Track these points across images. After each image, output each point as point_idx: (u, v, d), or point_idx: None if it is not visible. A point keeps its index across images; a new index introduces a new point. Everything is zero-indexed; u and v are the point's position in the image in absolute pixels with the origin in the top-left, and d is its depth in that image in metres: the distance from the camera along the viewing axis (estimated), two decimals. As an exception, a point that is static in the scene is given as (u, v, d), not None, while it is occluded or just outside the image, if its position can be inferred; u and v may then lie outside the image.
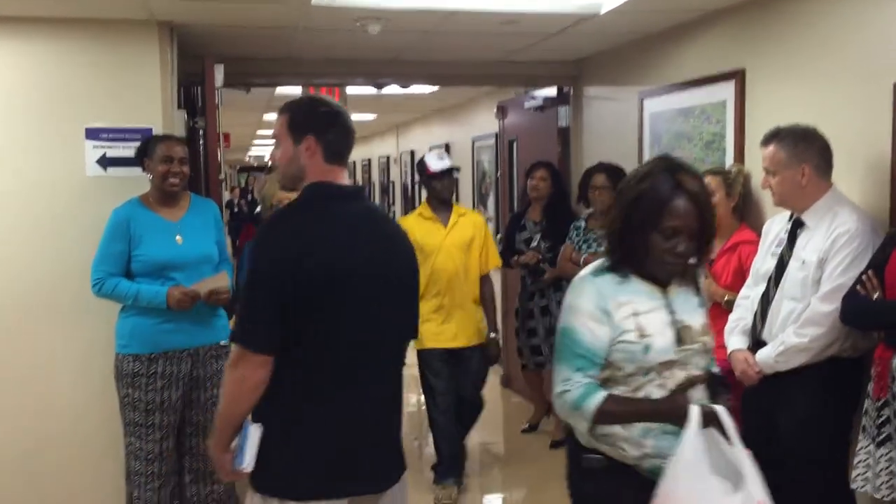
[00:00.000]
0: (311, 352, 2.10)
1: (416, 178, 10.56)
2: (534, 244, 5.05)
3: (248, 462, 2.11)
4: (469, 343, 4.37)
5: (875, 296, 2.60)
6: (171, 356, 3.40)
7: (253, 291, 2.10)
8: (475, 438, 5.74)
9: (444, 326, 4.32)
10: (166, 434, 3.42)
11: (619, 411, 2.04)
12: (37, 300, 3.76)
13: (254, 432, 2.12)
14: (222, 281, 3.43)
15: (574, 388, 2.05)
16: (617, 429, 2.06)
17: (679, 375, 2.07)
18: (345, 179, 2.26)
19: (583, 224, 4.82)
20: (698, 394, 2.11)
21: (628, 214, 2.07)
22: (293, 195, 3.66)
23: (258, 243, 2.16)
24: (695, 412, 1.98)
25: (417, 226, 4.29)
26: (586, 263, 4.55)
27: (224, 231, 3.77)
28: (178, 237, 3.43)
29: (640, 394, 2.05)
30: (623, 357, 2.05)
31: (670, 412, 2.03)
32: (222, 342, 3.55)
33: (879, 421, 2.59)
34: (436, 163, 4.30)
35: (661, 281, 2.11)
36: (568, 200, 5.33)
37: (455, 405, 4.41)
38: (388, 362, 2.26)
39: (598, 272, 2.12)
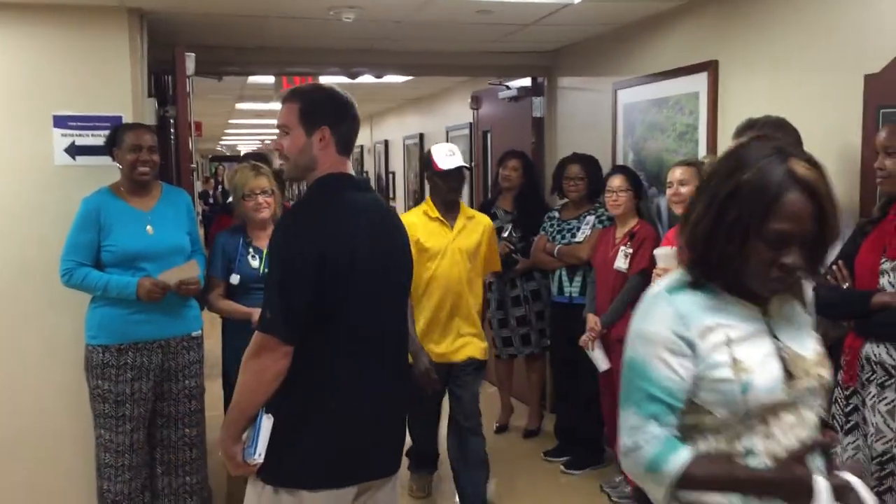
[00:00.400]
0: (325, 343, 2.12)
1: (391, 168, 10.53)
2: (505, 234, 5.05)
3: (259, 453, 2.10)
4: (467, 357, 3.88)
5: (845, 285, 2.63)
6: (141, 347, 3.36)
7: (282, 281, 2.10)
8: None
9: (440, 339, 3.83)
10: (137, 426, 3.38)
11: (712, 478, 1.54)
12: (4, 290, 3.70)
13: (266, 423, 2.11)
14: (192, 270, 3.39)
15: (649, 443, 1.56)
16: (712, 496, 1.55)
17: (788, 421, 1.58)
18: (349, 168, 2.29)
19: (556, 214, 4.83)
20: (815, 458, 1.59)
21: (720, 214, 1.54)
22: (266, 184, 3.65)
23: (285, 233, 2.17)
24: (822, 488, 1.48)
25: (422, 224, 3.81)
26: (560, 254, 4.65)
27: (197, 221, 3.73)
28: (148, 227, 3.39)
29: (739, 447, 1.56)
30: (714, 399, 1.55)
31: (785, 485, 1.51)
32: (193, 333, 3.52)
33: (847, 409, 2.63)
34: (445, 159, 3.77)
35: (760, 298, 1.61)
36: (540, 191, 5.33)
37: (457, 439, 3.98)
38: (396, 354, 2.33)
39: (677, 288, 1.62)
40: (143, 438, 3.43)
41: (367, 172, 10.52)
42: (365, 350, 2.18)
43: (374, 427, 2.22)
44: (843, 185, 3.04)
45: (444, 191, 3.83)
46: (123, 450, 3.37)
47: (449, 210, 3.87)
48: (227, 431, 2.17)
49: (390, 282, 2.27)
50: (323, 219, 2.14)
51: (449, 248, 3.80)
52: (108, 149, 3.44)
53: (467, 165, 3.92)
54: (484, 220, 4.01)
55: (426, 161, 3.90)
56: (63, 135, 3.73)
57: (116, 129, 3.46)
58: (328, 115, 2.21)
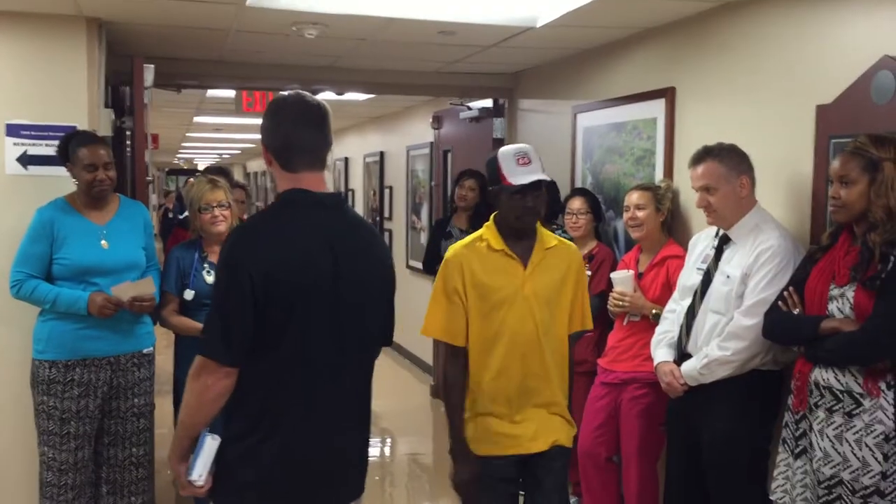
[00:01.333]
0: (272, 367, 2.04)
1: (350, 185, 10.48)
2: None
3: (199, 473, 2.05)
4: (553, 444, 2.82)
5: (796, 311, 2.68)
6: (89, 364, 3.28)
7: (222, 300, 2.02)
8: (402, 449, 5.72)
9: (515, 423, 2.79)
10: (81, 444, 3.30)
11: None
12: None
13: (209, 444, 2.05)
14: (147, 287, 3.33)
15: None
16: None
17: None
18: (318, 185, 2.12)
19: (515, 235, 4.82)
20: None
21: None
22: (222, 197, 3.60)
23: (229, 251, 2.05)
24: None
25: (480, 260, 2.79)
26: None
27: (154, 235, 3.67)
28: (103, 242, 3.33)
29: None
30: None
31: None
32: (145, 350, 3.45)
33: (798, 433, 2.66)
34: (516, 170, 2.73)
35: None
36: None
37: None
38: (356, 376, 2.18)
39: None
40: (87, 456, 3.34)
41: (353, 191, 10.36)
42: (317, 379, 2.07)
43: (329, 454, 2.12)
44: (794, 213, 3.10)
45: (513, 213, 2.78)
46: (67, 468, 3.28)
47: (519, 239, 2.83)
48: (172, 450, 2.12)
49: (353, 308, 2.11)
50: (270, 238, 2.03)
51: (521, 292, 2.77)
52: (61, 160, 3.37)
53: (547, 178, 2.80)
54: (569, 251, 2.91)
55: (491, 169, 2.82)
56: (15, 144, 3.66)
57: (69, 139, 3.36)
58: (264, 132, 2.10)
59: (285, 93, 2.15)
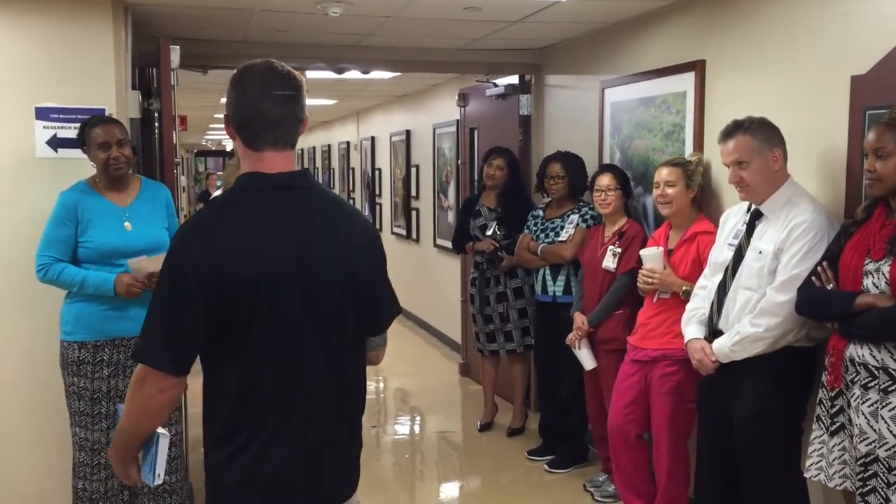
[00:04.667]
0: (244, 368, 1.82)
1: (377, 164, 10.49)
2: (489, 231, 5.04)
3: (159, 474, 1.91)
4: None
5: (829, 287, 2.63)
6: (117, 344, 3.31)
7: (164, 301, 1.80)
8: (432, 427, 5.75)
9: None
10: (113, 423, 3.32)
11: None
12: (-18, 285, 3.64)
13: (163, 443, 1.89)
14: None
15: None
16: None
17: None
18: (283, 165, 1.88)
19: (541, 213, 4.82)
20: None
21: None
22: None
23: (175, 246, 1.84)
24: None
25: None
26: (544, 253, 4.64)
27: (176, 215, 3.68)
28: (126, 223, 3.34)
29: None
30: None
31: None
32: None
33: (833, 410, 2.63)
34: None
35: None
36: (524, 189, 5.33)
37: None
38: (338, 370, 1.93)
39: None
40: (120, 436, 3.39)
41: (380, 170, 10.18)
42: (292, 380, 1.85)
43: (313, 455, 1.90)
44: (829, 186, 3.04)
45: None
46: (99, 448, 3.32)
47: None
48: (114, 457, 1.94)
49: (328, 298, 1.88)
50: (221, 230, 1.80)
51: None
52: (80, 145, 3.39)
53: None
54: None
55: None
56: (45, 127, 3.68)
57: (84, 124, 3.38)
58: (228, 103, 1.86)
59: (254, 61, 1.90)
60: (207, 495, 1.94)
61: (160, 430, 1.90)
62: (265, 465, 1.85)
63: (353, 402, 2.00)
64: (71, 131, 3.65)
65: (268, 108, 1.83)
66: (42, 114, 3.68)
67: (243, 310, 1.79)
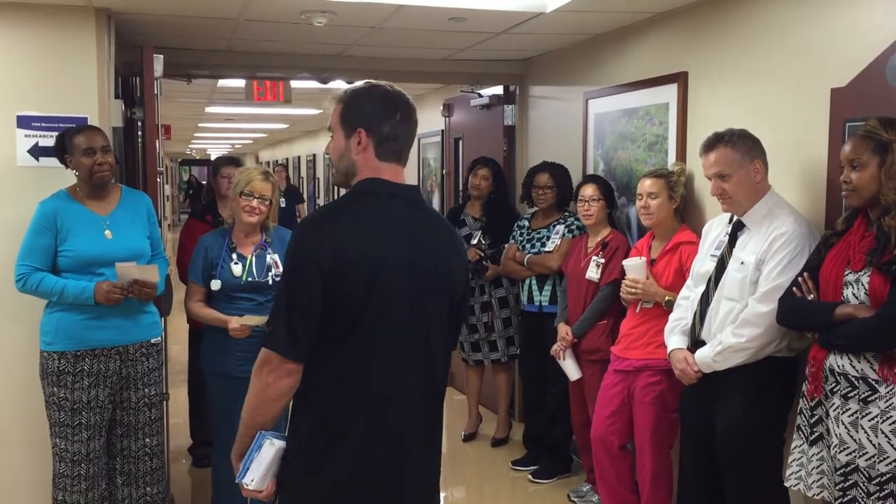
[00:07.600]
0: (339, 367, 1.94)
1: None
2: (474, 241, 5.06)
3: (251, 478, 1.94)
4: None
5: (810, 297, 2.65)
6: (98, 354, 3.29)
7: (289, 291, 1.93)
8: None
9: None
10: (93, 434, 3.31)
11: None
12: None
13: (266, 450, 1.94)
14: (151, 274, 3.31)
15: None
16: None
17: None
18: (398, 177, 2.07)
19: (526, 223, 4.83)
20: None
21: None
22: (268, 192, 3.56)
23: (297, 242, 1.97)
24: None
25: None
26: (530, 263, 4.65)
27: (158, 224, 3.66)
28: (107, 232, 3.32)
29: None
30: None
31: None
32: (153, 339, 3.44)
33: (813, 420, 2.64)
34: None
35: None
36: (509, 199, 5.34)
37: None
38: (432, 380, 2.06)
39: None
40: (100, 448, 3.36)
41: (318, 179, 10.23)
42: (388, 383, 1.97)
43: (393, 481, 1.99)
44: (809, 198, 3.07)
45: None
46: (80, 459, 3.30)
47: None
48: (234, 447, 2.04)
49: (431, 305, 2.02)
50: (342, 227, 1.95)
51: None
52: (58, 155, 3.37)
53: None
54: None
55: None
56: (27, 135, 3.66)
57: (62, 135, 3.36)
58: (366, 116, 2.03)
59: (381, 82, 2.10)
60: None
61: (269, 436, 1.96)
62: (356, 467, 1.95)
63: (441, 412, 2.13)
64: (53, 140, 3.63)
65: (405, 128, 2.07)
66: (24, 122, 3.66)
67: (354, 304, 1.91)
